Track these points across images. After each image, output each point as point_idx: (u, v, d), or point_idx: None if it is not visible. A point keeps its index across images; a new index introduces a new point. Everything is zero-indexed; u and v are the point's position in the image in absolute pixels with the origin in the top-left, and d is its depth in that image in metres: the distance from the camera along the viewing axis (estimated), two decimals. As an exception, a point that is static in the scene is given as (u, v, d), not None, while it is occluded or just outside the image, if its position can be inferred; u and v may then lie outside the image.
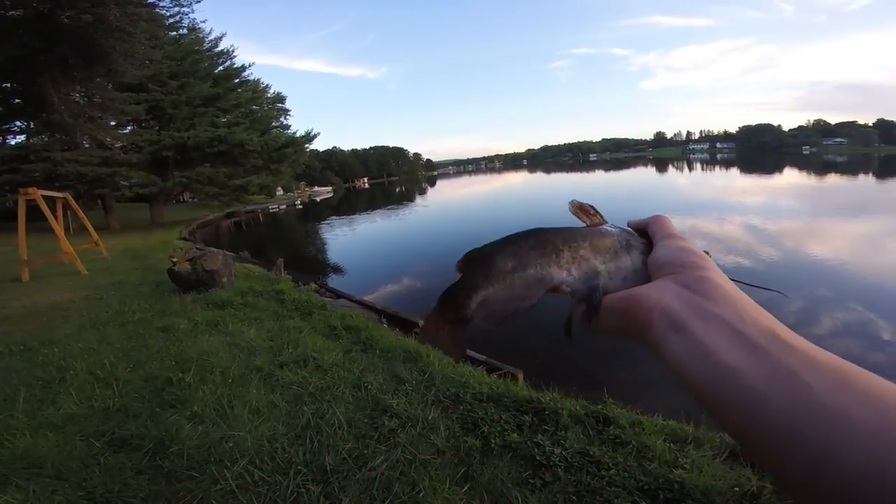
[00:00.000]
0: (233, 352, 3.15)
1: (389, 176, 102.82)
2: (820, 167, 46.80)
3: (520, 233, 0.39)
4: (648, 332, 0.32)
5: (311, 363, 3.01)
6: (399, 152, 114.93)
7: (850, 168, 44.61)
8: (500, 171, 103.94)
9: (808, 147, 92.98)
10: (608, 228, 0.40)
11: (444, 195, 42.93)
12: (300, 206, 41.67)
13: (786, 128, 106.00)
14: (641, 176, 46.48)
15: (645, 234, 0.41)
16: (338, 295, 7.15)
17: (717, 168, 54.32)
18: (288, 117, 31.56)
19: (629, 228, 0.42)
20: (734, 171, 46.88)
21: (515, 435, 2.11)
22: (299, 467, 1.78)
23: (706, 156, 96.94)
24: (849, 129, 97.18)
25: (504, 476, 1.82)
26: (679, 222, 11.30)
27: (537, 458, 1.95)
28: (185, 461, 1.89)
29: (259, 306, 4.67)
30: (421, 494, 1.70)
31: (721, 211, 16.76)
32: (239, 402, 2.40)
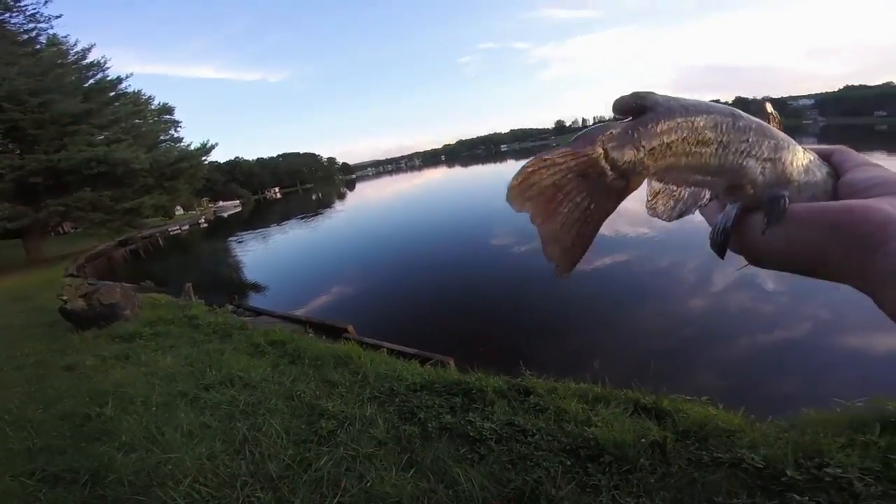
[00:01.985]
0: (151, 381, 3.11)
1: (303, 183, 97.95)
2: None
3: (716, 104, 0.31)
4: (878, 253, 0.23)
5: (237, 382, 3.06)
6: (311, 158, 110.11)
7: None
8: (420, 168, 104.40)
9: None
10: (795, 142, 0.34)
11: (365, 197, 42.40)
12: (205, 225, 38.12)
13: None
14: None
15: (827, 161, 0.35)
16: (258, 312, 6.99)
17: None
18: (179, 129, 28.78)
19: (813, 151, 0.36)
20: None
21: (449, 416, 2.30)
22: (245, 478, 1.85)
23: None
24: None
25: (445, 455, 1.98)
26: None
27: (471, 434, 2.13)
28: (127, 488, 1.94)
29: (172, 334, 4.51)
30: (369, 485, 1.80)
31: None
32: (168, 427, 2.44)
